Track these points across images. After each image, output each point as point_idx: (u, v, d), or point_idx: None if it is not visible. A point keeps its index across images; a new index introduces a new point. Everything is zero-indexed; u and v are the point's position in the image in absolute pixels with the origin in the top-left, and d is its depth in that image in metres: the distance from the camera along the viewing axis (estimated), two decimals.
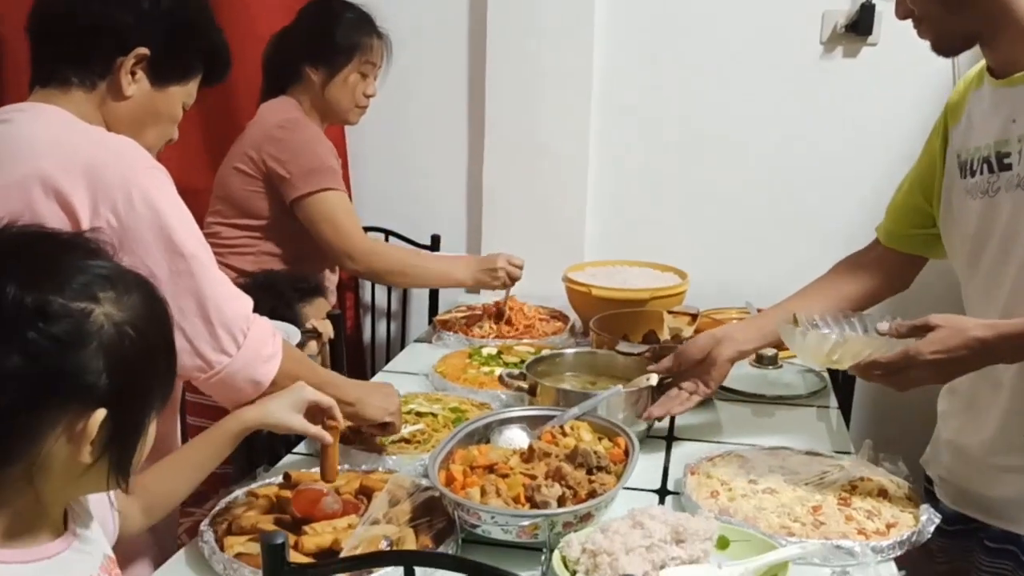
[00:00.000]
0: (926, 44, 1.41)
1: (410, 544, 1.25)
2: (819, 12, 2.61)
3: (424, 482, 1.39)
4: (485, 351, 2.18)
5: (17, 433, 0.82)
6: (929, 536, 1.31)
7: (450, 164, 2.94)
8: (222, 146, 2.37)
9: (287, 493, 1.34)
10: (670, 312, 2.20)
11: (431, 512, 1.32)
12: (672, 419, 1.76)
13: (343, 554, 1.19)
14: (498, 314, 2.41)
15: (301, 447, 1.69)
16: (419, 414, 1.76)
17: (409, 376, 2.07)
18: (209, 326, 1.30)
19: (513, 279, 2.36)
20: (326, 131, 2.33)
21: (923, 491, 1.58)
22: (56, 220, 1.18)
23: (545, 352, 1.95)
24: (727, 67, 2.68)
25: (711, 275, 2.48)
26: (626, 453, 1.44)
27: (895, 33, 2.36)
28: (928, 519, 1.33)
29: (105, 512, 1.11)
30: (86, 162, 1.22)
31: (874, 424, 2.65)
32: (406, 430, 1.67)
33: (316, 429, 1.37)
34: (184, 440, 1.67)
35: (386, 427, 1.57)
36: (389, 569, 1.15)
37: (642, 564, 1.15)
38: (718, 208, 2.76)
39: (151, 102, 1.37)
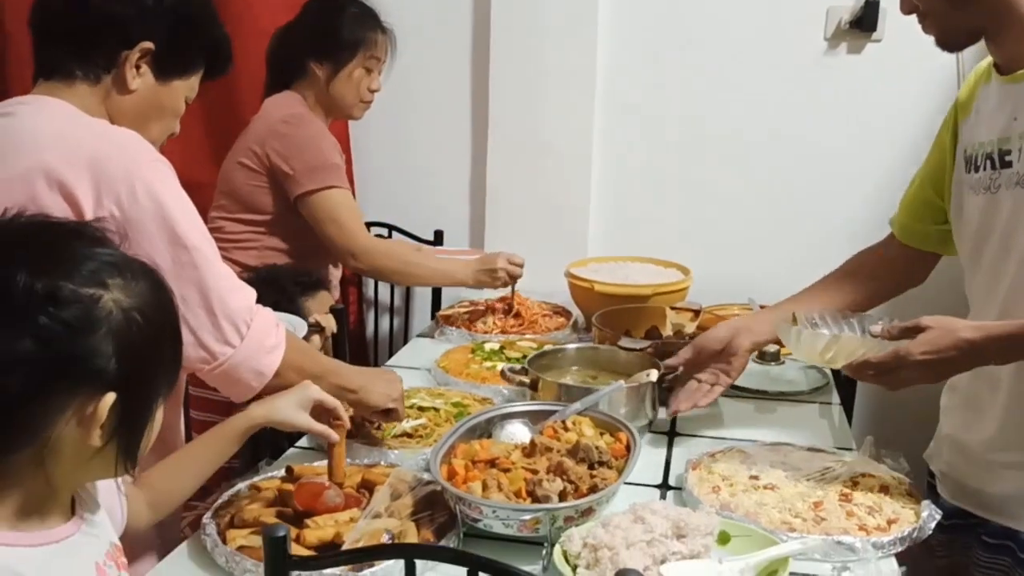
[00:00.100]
0: (931, 40, 1.40)
1: (411, 538, 1.25)
2: (823, 8, 2.60)
3: (426, 476, 1.39)
4: (488, 346, 2.18)
5: (28, 416, 0.83)
6: (930, 532, 1.31)
7: (454, 160, 2.94)
8: (225, 140, 2.37)
9: (289, 486, 1.34)
10: (672, 308, 2.21)
11: (433, 506, 1.32)
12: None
13: (345, 547, 1.19)
14: (507, 309, 2.42)
15: (303, 440, 1.69)
16: (421, 409, 1.76)
17: (411, 371, 2.07)
18: (212, 317, 1.31)
19: (513, 278, 2.37)
20: (330, 126, 2.33)
21: (926, 486, 1.59)
22: (60, 213, 1.19)
23: (547, 347, 1.95)
24: (730, 64, 2.67)
25: (714, 271, 2.47)
26: (628, 448, 1.45)
27: (899, 29, 2.34)
28: (929, 515, 1.33)
29: (113, 501, 1.12)
30: (90, 155, 1.23)
31: (876, 420, 2.65)
32: (408, 424, 1.67)
33: (322, 427, 1.38)
34: (187, 434, 1.67)
35: (389, 414, 1.57)
36: (390, 562, 1.16)
37: (643, 559, 1.15)
38: (721, 205, 2.76)
39: (155, 96, 1.38)
